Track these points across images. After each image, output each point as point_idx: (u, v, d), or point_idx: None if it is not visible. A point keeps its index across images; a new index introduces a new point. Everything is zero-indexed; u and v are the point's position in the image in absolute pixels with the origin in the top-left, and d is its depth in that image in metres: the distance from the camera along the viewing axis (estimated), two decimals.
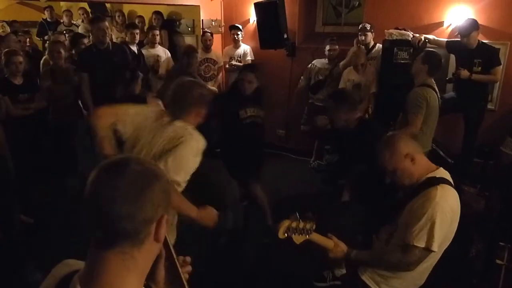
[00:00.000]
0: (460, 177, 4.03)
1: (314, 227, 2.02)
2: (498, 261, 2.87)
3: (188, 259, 1.29)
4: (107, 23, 4.43)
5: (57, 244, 3.42)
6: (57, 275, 1.00)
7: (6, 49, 4.38)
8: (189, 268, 1.28)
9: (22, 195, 4.06)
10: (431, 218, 1.83)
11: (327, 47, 5.30)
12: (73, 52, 5.20)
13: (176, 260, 1.17)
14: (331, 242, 2.13)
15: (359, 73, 4.86)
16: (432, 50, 4.05)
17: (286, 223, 1.97)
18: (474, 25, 4.27)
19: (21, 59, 4.11)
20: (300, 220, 1.99)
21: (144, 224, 0.90)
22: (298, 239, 2.01)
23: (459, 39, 4.46)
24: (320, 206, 4.48)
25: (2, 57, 4.19)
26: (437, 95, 3.63)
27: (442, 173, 2.01)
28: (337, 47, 5.29)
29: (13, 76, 4.07)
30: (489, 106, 4.73)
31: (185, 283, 1.17)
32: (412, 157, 1.98)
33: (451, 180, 2.00)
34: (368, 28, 5.00)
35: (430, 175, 1.97)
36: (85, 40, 5.29)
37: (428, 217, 1.84)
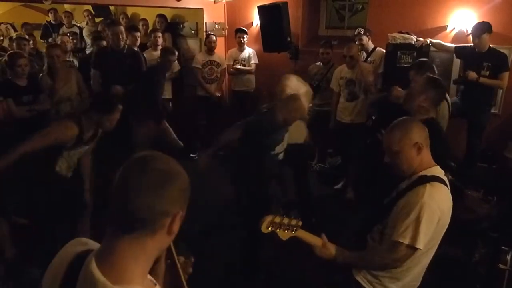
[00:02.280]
0: (464, 182, 4.03)
1: (300, 224, 2.02)
2: (501, 266, 2.86)
3: (191, 260, 1.39)
4: (122, 27, 4.69)
5: (57, 244, 3.42)
6: (71, 251, 1.10)
7: (10, 52, 4.39)
8: (190, 270, 1.38)
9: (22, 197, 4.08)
10: (417, 216, 1.83)
11: (320, 50, 5.26)
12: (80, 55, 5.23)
13: (177, 260, 1.27)
14: (318, 240, 2.10)
15: (351, 69, 4.68)
16: (420, 60, 4.03)
17: (269, 218, 1.98)
18: (486, 28, 4.29)
19: (25, 61, 4.11)
20: (284, 216, 1.99)
21: (159, 217, 1.01)
22: (284, 235, 2.00)
23: (468, 44, 4.46)
24: (322, 208, 4.53)
25: (6, 59, 4.20)
26: (448, 103, 3.60)
27: (436, 171, 2.00)
28: (330, 50, 5.23)
29: (17, 78, 4.08)
30: (493, 110, 4.74)
31: (185, 282, 1.25)
32: (419, 148, 1.96)
33: (445, 178, 1.99)
34: (362, 32, 5.00)
35: (422, 173, 1.97)
36: (104, 42, 5.37)
37: (415, 215, 1.84)
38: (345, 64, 4.73)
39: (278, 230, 1.99)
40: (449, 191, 1.97)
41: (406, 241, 1.85)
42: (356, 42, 4.94)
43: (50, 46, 4.64)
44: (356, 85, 4.65)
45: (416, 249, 1.86)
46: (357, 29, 5.10)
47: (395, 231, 1.89)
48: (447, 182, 2.00)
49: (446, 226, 1.98)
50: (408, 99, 2.96)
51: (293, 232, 2.01)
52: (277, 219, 1.98)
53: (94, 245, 1.12)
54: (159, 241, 1.05)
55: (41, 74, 4.50)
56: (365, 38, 5.03)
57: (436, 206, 1.86)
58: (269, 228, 1.99)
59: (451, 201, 1.98)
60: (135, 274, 1.00)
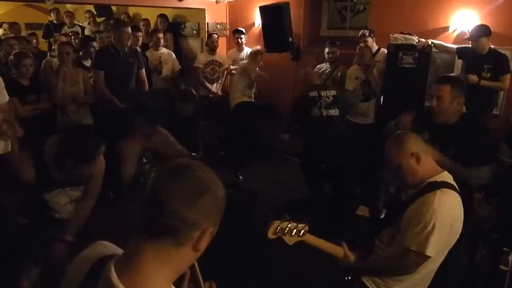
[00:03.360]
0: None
1: (307, 229, 2.02)
2: (502, 267, 2.86)
3: (214, 286, 1.36)
4: (130, 29, 4.72)
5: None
6: (91, 256, 1.06)
7: (16, 51, 4.42)
8: None
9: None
10: (428, 224, 1.83)
11: (326, 50, 5.29)
12: (81, 54, 5.22)
13: (201, 283, 1.21)
14: (338, 249, 2.12)
15: (365, 70, 4.84)
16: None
17: (275, 224, 1.98)
18: (484, 31, 4.26)
19: (31, 61, 4.16)
20: (290, 221, 1.99)
21: (188, 227, 0.96)
22: (290, 240, 2.00)
23: (468, 45, 4.46)
24: (321, 209, 4.52)
25: (12, 59, 4.23)
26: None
27: (445, 177, 2.00)
28: (336, 49, 5.26)
29: (21, 77, 4.11)
30: (494, 111, 4.72)
31: None
32: (418, 157, 1.98)
33: (454, 184, 1.99)
34: (367, 34, 5.01)
35: (432, 179, 1.97)
36: (94, 43, 5.33)
37: (426, 223, 1.84)
38: (358, 65, 4.85)
39: (284, 235, 1.99)
40: (459, 197, 1.96)
41: (417, 248, 1.86)
42: (361, 44, 4.94)
43: (62, 43, 4.66)
44: (371, 85, 4.77)
45: (427, 256, 1.86)
46: (362, 31, 5.09)
47: (406, 238, 1.90)
48: (457, 187, 2.00)
49: (459, 233, 1.97)
50: (441, 115, 2.71)
51: (300, 237, 2.01)
52: (284, 225, 1.98)
53: (115, 249, 1.10)
54: (184, 255, 0.99)
55: (49, 73, 4.53)
56: (370, 40, 5.02)
57: (447, 213, 1.86)
58: (275, 234, 1.99)
59: (462, 207, 1.97)
60: (155, 284, 0.95)
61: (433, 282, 2.12)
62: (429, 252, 1.84)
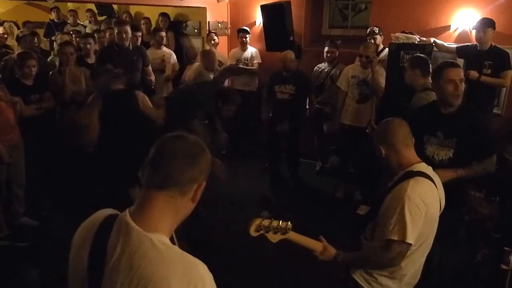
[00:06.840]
0: (466, 182, 4.01)
1: (290, 226, 2.02)
2: (503, 267, 2.86)
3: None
4: (127, 27, 4.80)
5: (57, 246, 3.43)
6: (100, 216, 1.23)
7: (20, 51, 4.40)
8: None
9: (29, 197, 4.12)
10: (401, 210, 1.86)
11: (325, 49, 5.26)
12: (82, 53, 5.21)
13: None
14: (319, 244, 2.12)
15: (365, 69, 4.64)
16: (417, 55, 4.01)
17: (257, 221, 1.98)
18: (490, 23, 4.27)
19: (34, 62, 4.13)
20: (272, 219, 1.99)
21: (190, 180, 1.18)
22: (273, 237, 2.00)
23: (469, 43, 4.45)
24: (319, 210, 4.53)
25: (16, 59, 4.21)
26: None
27: (421, 167, 2.03)
28: (335, 49, 5.21)
29: (24, 78, 4.10)
30: (496, 110, 4.72)
31: None
32: (402, 146, 2.02)
33: (430, 174, 2.01)
34: (377, 31, 4.96)
35: (408, 169, 2.01)
36: (91, 40, 5.31)
37: (399, 210, 1.86)
38: (360, 63, 4.68)
39: (267, 233, 2.00)
40: (434, 186, 1.98)
41: (396, 237, 1.87)
42: (372, 41, 4.89)
43: (63, 44, 4.65)
44: (369, 86, 4.62)
45: (408, 244, 1.88)
46: (372, 27, 5.04)
47: (386, 230, 1.91)
48: (434, 177, 2.02)
49: (436, 220, 2.00)
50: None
51: (284, 235, 2.01)
52: (266, 222, 1.98)
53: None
54: (185, 204, 1.21)
55: (51, 72, 4.51)
56: (379, 38, 4.99)
57: (420, 199, 1.88)
58: (258, 232, 1.99)
59: (438, 195, 2.00)
60: (164, 226, 1.15)
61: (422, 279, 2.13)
62: (409, 239, 1.85)
